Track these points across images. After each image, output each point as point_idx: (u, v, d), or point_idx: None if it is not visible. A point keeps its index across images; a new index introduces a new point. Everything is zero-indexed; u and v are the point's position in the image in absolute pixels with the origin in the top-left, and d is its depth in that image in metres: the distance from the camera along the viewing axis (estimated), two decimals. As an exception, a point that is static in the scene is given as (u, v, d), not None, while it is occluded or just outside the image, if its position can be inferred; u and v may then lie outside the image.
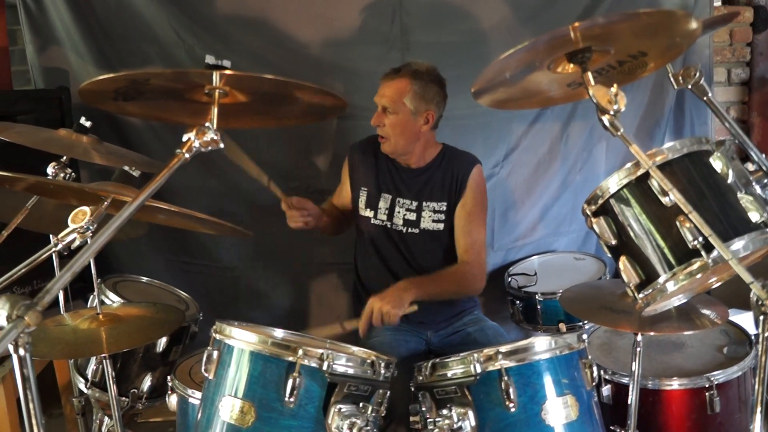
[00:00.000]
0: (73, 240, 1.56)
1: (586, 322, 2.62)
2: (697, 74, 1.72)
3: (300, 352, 1.49)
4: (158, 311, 2.00)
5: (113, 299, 2.20)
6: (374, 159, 2.50)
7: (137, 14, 2.67)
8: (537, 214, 3.10)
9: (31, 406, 1.12)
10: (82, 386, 2.21)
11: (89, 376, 2.18)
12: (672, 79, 1.74)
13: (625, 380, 2.03)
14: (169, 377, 2.06)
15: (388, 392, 1.61)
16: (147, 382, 2.19)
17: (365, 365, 1.57)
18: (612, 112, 1.44)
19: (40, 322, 1.08)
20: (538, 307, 2.66)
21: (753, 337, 2.21)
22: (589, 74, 1.45)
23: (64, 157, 1.96)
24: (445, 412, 1.48)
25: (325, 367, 1.49)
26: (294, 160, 2.91)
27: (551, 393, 1.52)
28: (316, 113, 1.69)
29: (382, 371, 1.59)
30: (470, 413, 1.47)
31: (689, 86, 1.75)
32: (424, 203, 2.43)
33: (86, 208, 1.58)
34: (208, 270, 2.92)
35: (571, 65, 1.50)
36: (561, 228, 3.13)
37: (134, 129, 2.75)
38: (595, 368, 1.60)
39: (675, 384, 2.02)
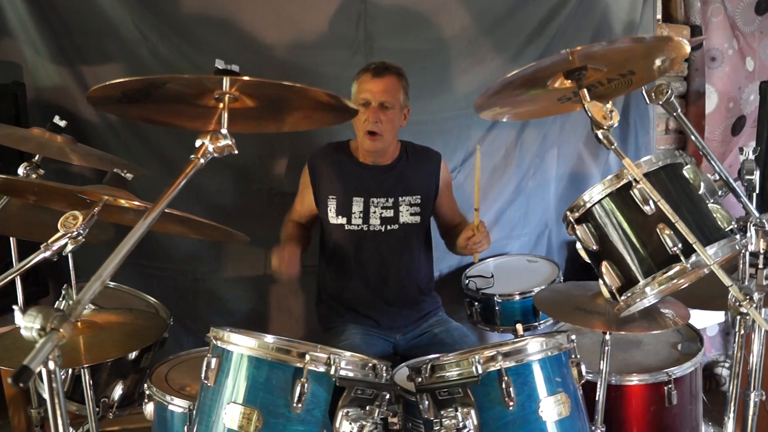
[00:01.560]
0: (64, 246, 1.51)
1: (541, 322, 2.75)
2: (669, 91, 1.84)
3: (307, 357, 1.50)
4: (137, 318, 1.95)
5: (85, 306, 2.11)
6: (338, 165, 2.52)
7: (98, 9, 2.55)
8: (492, 218, 3.19)
9: (59, 421, 1.08)
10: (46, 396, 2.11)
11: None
12: (645, 96, 1.85)
13: (590, 377, 2.13)
14: (145, 385, 2.01)
15: (388, 395, 1.64)
16: (118, 391, 2.11)
17: (367, 369, 1.60)
18: (606, 127, 1.53)
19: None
20: (496, 308, 2.72)
21: (704, 333, 2.39)
22: (585, 91, 1.54)
23: (36, 157, 1.88)
24: (450, 411, 1.53)
25: (332, 372, 1.51)
26: (257, 163, 2.87)
27: (546, 391, 1.59)
28: (322, 120, 1.70)
29: (384, 374, 1.63)
30: (473, 413, 1.52)
31: (660, 102, 1.87)
32: (400, 198, 2.50)
33: (77, 213, 1.52)
34: (167, 273, 2.83)
35: (567, 81, 1.58)
36: (514, 231, 3.25)
37: (92, 127, 2.64)
38: (583, 366, 1.68)
39: (636, 380, 2.16)
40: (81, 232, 1.50)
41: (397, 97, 2.40)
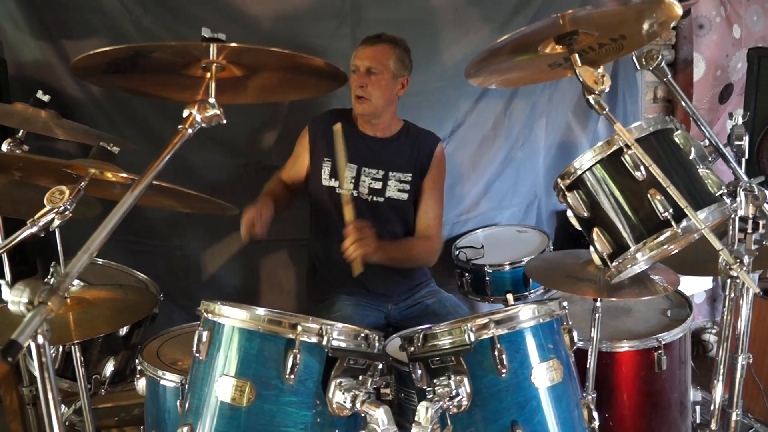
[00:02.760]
0: (51, 221, 1.48)
1: (532, 291, 2.76)
2: (659, 57, 1.83)
3: (299, 328, 1.50)
4: (127, 294, 1.94)
5: (74, 282, 2.09)
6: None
7: (79, -20, 2.50)
8: (481, 189, 3.19)
9: (50, 396, 1.07)
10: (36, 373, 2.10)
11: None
12: (636, 61, 1.84)
13: (580, 344, 2.14)
14: (137, 360, 2.00)
15: (381, 365, 1.64)
16: (110, 367, 2.10)
17: (359, 339, 1.60)
18: (597, 92, 1.51)
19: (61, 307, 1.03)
20: (487, 278, 2.73)
21: (692, 300, 2.41)
22: (576, 55, 1.52)
23: (21, 132, 1.85)
24: (443, 380, 1.53)
25: (324, 342, 1.50)
26: (246, 138, 2.85)
27: (538, 358, 1.59)
28: (312, 87, 1.67)
29: (376, 344, 1.63)
30: (465, 380, 1.52)
31: (651, 68, 1.86)
32: (390, 173, 2.51)
33: (63, 187, 1.50)
34: (156, 249, 2.81)
35: (558, 46, 1.56)
36: (504, 202, 3.24)
37: (76, 103, 2.60)
38: (575, 333, 1.69)
39: (626, 346, 2.17)
40: (68, 207, 1.47)
41: (385, 63, 2.41)
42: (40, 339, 1.05)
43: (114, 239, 2.83)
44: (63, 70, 2.58)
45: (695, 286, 3.46)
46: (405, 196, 2.53)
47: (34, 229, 1.47)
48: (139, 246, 2.79)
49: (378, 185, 2.51)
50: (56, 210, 1.47)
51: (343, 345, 1.54)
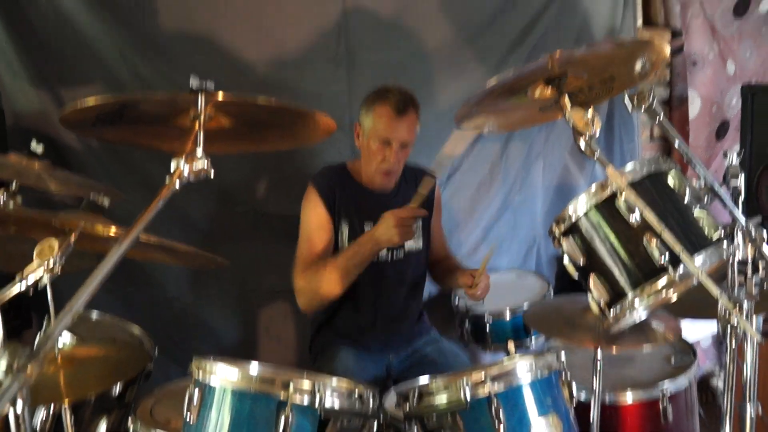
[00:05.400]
0: (41, 277, 1.46)
1: (533, 338, 2.70)
2: (652, 97, 1.82)
3: (291, 388, 1.45)
4: (120, 350, 1.89)
5: (65, 337, 2.05)
6: (345, 189, 2.41)
7: (78, 30, 2.52)
8: (480, 234, 3.16)
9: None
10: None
11: (36, 427, 2.01)
12: (628, 102, 1.83)
13: (582, 395, 2.06)
14: (130, 419, 1.95)
15: (376, 423, 1.60)
16: (102, 428, 2.03)
17: (353, 398, 1.55)
18: (588, 135, 1.50)
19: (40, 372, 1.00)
20: (488, 327, 2.67)
21: (698, 344, 2.35)
22: (566, 98, 1.52)
23: (14, 184, 1.84)
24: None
25: (317, 404, 1.46)
26: (240, 185, 2.84)
27: (537, 414, 1.55)
28: (303, 137, 1.67)
29: (371, 403, 1.58)
30: (462, 439, 1.49)
31: (643, 109, 1.85)
32: None
33: (54, 241, 1.48)
34: (154, 300, 2.79)
35: (548, 90, 1.56)
36: (502, 247, 3.19)
37: (73, 152, 2.61)
38: (574, 386, 1.64)
39: (630, 397, 2.11)
40: (58, 261, 1.45)
41: (415, 132, 2.35)
42: (20, 405, 1.01)
43: (109, 290, 2.83)
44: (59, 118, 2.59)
45: (700, 330, 3.37)
46: (420, 243, 2.48)
47: (24, 286, 1.44)
48: (135, 297, 2.76)
49: None
50: (45, 265, 1.44)
51: (336, 405, 1.50)
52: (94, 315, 2.34)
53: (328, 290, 2.25)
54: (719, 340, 3.71)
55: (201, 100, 1.33)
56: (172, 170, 1.32)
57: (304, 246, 2.36)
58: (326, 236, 2.36)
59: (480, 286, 2.33)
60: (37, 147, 1.84)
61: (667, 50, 1.49)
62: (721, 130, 3.71)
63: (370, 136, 2.30)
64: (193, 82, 1.34)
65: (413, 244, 2.45)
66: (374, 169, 2.34)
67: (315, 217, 2.37)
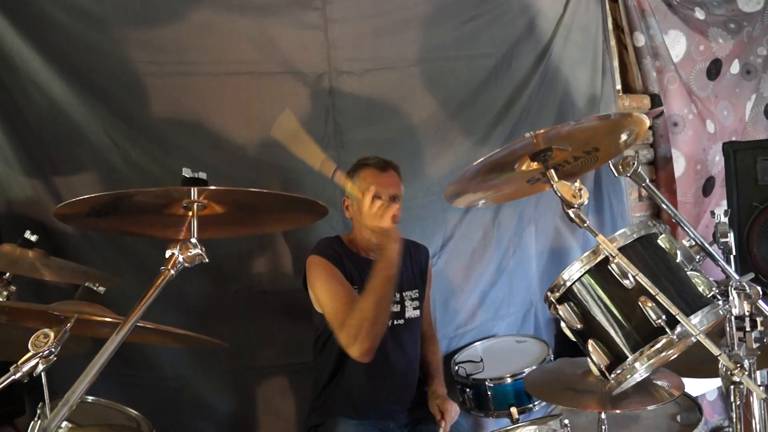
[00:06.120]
0: (35, 366, 1.45)
1: (536, 403, 2.67)
2: (635, 163, 1.87)
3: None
4: (116, 436, 1.86)
5: (61, 425, 2.01)
6: (345, 260, 2.42)
7: (69, 119, 2.55)
8: (476, 301, 3.16)
9: None
10: None
11: None
12: (613, 169, 1.88)
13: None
14: None
15: None
16: None
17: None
18: (576, 206, 1.54)
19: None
20: (489, 393, 2.65)
21: (704, 399, 2.33)
22: (552, 171, 1.56)
23: (8, 274, 1.85)
24: None
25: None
26: (235, 264, 2.83)
27: (544, 482, 1.53)
28: (294, 220, 1.70)
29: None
30: None
31: (628, 175, 1.90)
32: (404, 293, 2.48)
33: (48, 331, 1.48)
34: (149, 381, 2.73)
35: (534, 163, 1.60)
36: (500, 312, 3.21)
37: (68, 239, 2.61)
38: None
39: (639, 459, 2.09)
40: (53, 350, 1.45)
41: (401, 188, 2.42)
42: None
43: (105, 372, 2.77)
44: (53, 206, 2.58)
45: (706, 384, 3.34)
46: (418, 312, 2.50)
47: (18, 375, 1.43)
48: (131, 379, 2.70)
49: (397, 308, 2.45)
50: (40, 354, 1.44)
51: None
52: (89, 399, 2.29)
53: (373, 314, 2.16)
54: (726, 393, 3.65)
55: (194, 192, 1.36)
56: (166, 257, 1.33)
57: (333, 303, 2.29)
58: (348, 286, 2.33)
59: (448, 422, 2.36)
60: (31, 236, 1.85)
61: (647, 122, 1.54)
62: (708, 186, 3.78)
63: (359, 197, 2.29)
64: (186, 172, 1.37)
65: (412, 312, 2.48)
66: (362, 227, 2.34)
67: (332, 274, 2.34)
